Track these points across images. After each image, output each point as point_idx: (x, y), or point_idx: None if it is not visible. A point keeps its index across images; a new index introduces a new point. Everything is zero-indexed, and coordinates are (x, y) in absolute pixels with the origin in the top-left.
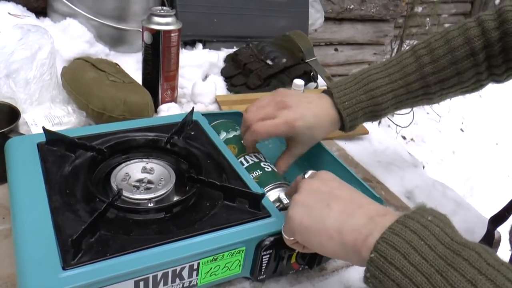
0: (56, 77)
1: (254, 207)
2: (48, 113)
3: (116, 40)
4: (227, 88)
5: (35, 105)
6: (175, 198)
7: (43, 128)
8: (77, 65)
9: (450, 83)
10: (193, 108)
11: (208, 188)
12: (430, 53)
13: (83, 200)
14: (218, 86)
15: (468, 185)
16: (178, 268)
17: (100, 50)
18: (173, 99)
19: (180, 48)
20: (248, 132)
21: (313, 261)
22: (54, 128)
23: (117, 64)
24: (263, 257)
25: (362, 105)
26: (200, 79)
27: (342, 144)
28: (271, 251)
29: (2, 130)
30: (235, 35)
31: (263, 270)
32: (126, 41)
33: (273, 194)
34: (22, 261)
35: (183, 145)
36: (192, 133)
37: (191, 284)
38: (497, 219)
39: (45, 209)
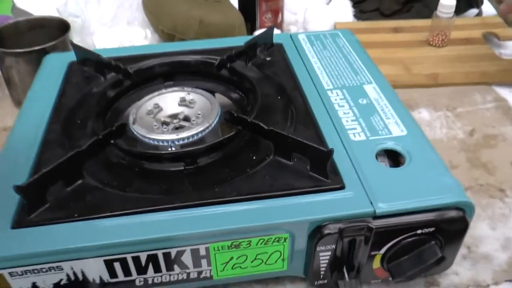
0: None
1: (318, 170)
2: (122, 36)
3: None
4: (354, 15)
5: (108, 26)
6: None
7: (71, 42)
8: None
9: None
10: (272, 26)
11: (253, 132)
12: None
13: (91, 135)
14: (342, 11)
15: None
16: (173, 252)
17: None
18: (277, 25)
19: None
20: None
21: (411, 266)
22: None
23: None
24: (321, 253)
25: None
26: (320, 1)
27: (504, 92)
28: (333, 246)
29: (43, 46)
30: None
31: (322, 272)
32: None
33: None
34: None
35: (246, 73)
36: (268, 59)
37: (201, 276)
38: None
39: (35, 142)
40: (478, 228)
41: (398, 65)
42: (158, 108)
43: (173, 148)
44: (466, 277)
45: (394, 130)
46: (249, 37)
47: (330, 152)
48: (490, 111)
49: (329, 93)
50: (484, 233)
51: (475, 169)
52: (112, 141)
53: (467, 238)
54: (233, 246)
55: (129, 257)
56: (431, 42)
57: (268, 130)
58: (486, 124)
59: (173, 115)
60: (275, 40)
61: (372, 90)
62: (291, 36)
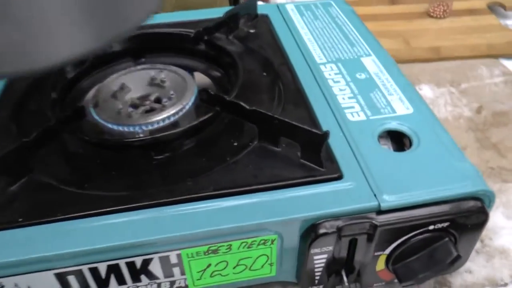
0: None
1: (311, 157)
2: None
3: None
4: None
5: None
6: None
7: None
8: None
9: None
10: None
11: (233, 114)
12: None
13: (46, 122)
14: None
15: None
16: (139, 260)
17: None
18: None
19: None
20: None
21: (421, 268)
22: None
23: None
24: (315, 256)
25: None
26: None
27: None
28: (330, 247)
29: None
30: None
31: (317, 276)
32: None
33: None
34: None
35: (227, 46)
36: (252, 31)
37: (175, 287)
38: None
39: None
40: (491, 217)
41: (396, 38)
42: (124, 89)
43: (141, 135)
44: (481, 275)
45: (398, 107)
46: (230, 8)
47: (325, 135)
48: (498, 86)
49: (322, 67)
50: (499, 223)
51: (485, 150)
52: (67, 128)
53: None
54: (210, 251)
55: (85, 269)
56: (432, 14)
57: (251, 111)
58: (494, 100)
59: (143, 96)
60: (260, 11)
61: (371, 63)
62: (278, 7)
